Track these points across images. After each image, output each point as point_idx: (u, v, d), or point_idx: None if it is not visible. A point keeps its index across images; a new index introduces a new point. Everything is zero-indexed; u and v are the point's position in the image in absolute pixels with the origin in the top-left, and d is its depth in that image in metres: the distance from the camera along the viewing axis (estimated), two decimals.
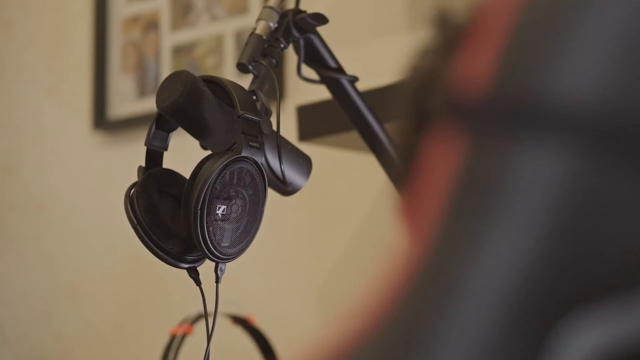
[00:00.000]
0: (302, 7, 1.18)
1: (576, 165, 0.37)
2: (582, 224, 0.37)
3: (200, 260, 1.07)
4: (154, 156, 1.10)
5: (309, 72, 1.24)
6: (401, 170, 0.45)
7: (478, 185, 0.38)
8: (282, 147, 1.12)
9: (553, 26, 0.39)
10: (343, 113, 1.27)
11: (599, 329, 0.37)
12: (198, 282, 1.07)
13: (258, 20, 1.14)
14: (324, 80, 1.25)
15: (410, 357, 0.37)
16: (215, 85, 1.06)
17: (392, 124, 1.39)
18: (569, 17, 0.39)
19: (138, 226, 1.04)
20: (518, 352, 0.37)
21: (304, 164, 1.17)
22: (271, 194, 1.09)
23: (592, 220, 0.37)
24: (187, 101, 1.02)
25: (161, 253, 1.04)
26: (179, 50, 2.23)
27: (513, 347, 0.37)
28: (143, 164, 1.09)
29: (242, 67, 1.11)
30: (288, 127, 1.39)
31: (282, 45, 1.14)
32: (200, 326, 1.43)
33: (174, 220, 1.05)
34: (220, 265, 1.06)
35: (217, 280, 1.07)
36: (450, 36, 0.43)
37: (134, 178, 1.07)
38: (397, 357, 0.37)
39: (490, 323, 0.37)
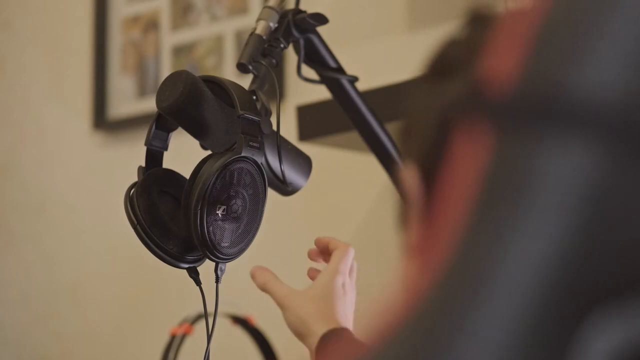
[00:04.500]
0: (302, 7, 1.18)
1: (602, 162, 0.38)
2: (607, 221, 0.37)
3: (200, 260, 1.07)
4: (154, 156, 1.10)
5: (309, 72, 1.24)
6: (423, 166, 0.45)
7: (504, 182, 0.39)
8: (282, 147, 1.12)
9: (579, 24, 0.39)
10: (343, 113, 1.27)
11: (624, 326, 0.37)
12: (198, 282, 1.07)
13: (258, 20, 1.14)
14: (324, 80, 1.25)
15: (435, 354, 0.37)
16: (215, 85, 1.06)
17: (398, 122, 1.39)
18: (595, 15, 0.39)
19: (138, 226, 1.04)
20: (544, 349, 0.37)
21: (304, 164, 1.17)
22: (271, 194, 1.09)
23: (618, 217, 0.38)
24: (187, 101, 1.02)
25: (161, 253, 1.04)
26: (179, 50, 2.23)
27: (540, 344, 0.37)
28: (143, 164, 1.09)
29: (242, 67, 1.11)
30: (288, 127, 1.39)
31: (282, 45, 1.14)
32: (200, 326, 1.43)
33: (174, 220, 1.05)
34: (220, 265, 1.06)
35: (217, 280, 1.07)
36: (482, 32, 0.43)
37: (134, 178, 1.07)
38: (422, 353, 0.37)
39: (517, 321, 0.37)
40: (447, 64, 0.46)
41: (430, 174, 0.44)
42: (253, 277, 1.01)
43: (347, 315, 1.01)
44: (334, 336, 0.96)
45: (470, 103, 0.41)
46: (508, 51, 0.40)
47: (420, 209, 0.45)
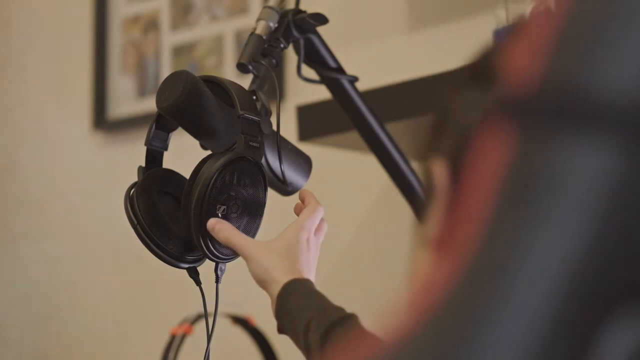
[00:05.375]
0: (302, 7, 1.18)
1: (623, 159, 0.38)
2: (629, 218, 0.38)
3: (200, 260, 1.06)
4: (154, 156, 1.10)
5: (309, 72, 1.24)
6: (454, 163, 0.45)
7: (526, 179, 0.39)
8: (282, 147, 1.12)
9: (598, 25, 0.40)
10: (343, 113, 1.27)
11: None
12: (198, 282, 1.07)
13: (258, 20, 1.14)
14: (324, 80, 1.25)
15: (455, 351, 0.37)
16: (215, 85, 1.06)
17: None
18: (614, 17, 0.40)
19: (138, 226, 1.04)
20: (566, 347, 0.37)
21: (304, 164, 1.17)
22: (271, 194, 1.09)
23: (638, 215, 0.38)
24: (187, 101, 1.02)
25: (161, 253, 1.04)
26: (179, 50, 2.23)
27: (561, 341, 0.37)
28: (143, 164, 1.09)
29: (242, 67, 1.11)
30: (288, 127, 1.39)
31: (282, 45, 1.14)
32: (200, 326, 1.43)
33: (174, 220, 1.05)
34: (220, 265, 1.06)
35: (217, 280, 1.07)
36: None
37: (134, 178, 1.07)
38: (443, 350, 0.37)
39: (538, 321, 0.37)
40: (489, 69, 0.46)
41: (460, 171, 0.45)
42: (213, 230, 1.01)
43: (310, 269, 1.04)
44: (301, 291, 0.99)
45: (494, 102, 0.41)
46: (530, 52, 0.41)
47: (447, 203, 0.46)
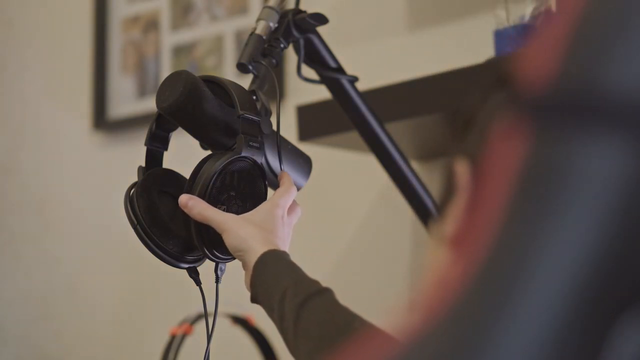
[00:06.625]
0: (302, 7, 1.18)
1: (638, 157, 0.38)
2: None
3: (200, 260, 1.07)
4: (154, 156, 1.10)
5: (309, 72, 1.24)
6: (477, 163, 0.45)
7: (542, 177, 0.39)
8: (282, 147, 1.12)
9: (617, 21, 0.40)
10: (343, 113, 1.27)
11: None
12: (198, 282, 1.07)
13: (258, 20, 1.14)
14: (324, 80, 1.25)
15: (468, 350, 0.37)
16: (215, 85, 1.06)
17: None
18: (633, 13, 0.40)
19: (138, 226, 1.04)
20: (579, 345, 0.37)
21: (304, 164, 1.17)
22: (271, 194, 1.09)
23: None
24: (187, 101, 1.02)
25: (161, 253, 1.04)
26: (179, 50, 2.23)
27: (575, 340, 0.37)
28: (143, 164, 1.09)
29: (242, 67, 1.11)
30: (288, 127, 1.39)
31: (282, 45, 1.14)
32: (200, 326, 1.43)
33: (173, 220, 1.05)
34: (220, 265, 1.06)
35: (217, 280, 1.07)
36: None
37: (134, 178, 1.07)
38: (455, 350, 0.37)
39: (552, 318, 0.37)
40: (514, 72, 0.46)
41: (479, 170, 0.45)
42: (185, 206, 1.01)
43: (285, 246, 1.04)
44: (278, 261, 0.99)
45: (510, 100, 0.41)
46: (546, 49, 0.41)
47: (466, 202, 0.46)
